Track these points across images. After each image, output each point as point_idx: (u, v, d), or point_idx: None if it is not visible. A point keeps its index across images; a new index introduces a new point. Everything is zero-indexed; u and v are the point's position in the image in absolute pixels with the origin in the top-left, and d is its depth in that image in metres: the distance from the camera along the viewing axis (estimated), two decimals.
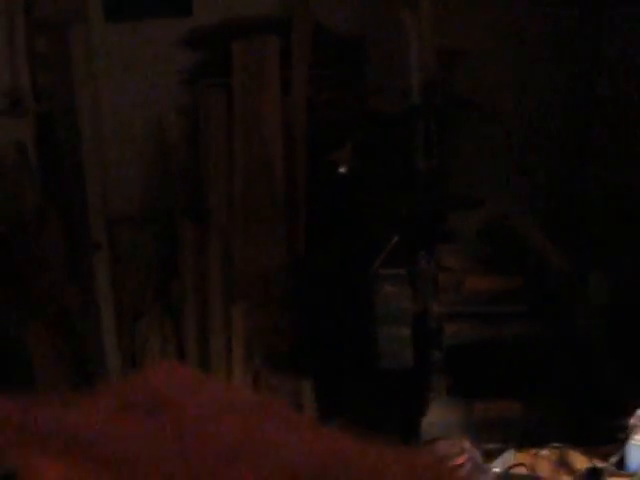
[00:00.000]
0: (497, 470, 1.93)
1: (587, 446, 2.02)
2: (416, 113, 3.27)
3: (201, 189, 4.05)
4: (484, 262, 3.18)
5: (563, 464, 1.99)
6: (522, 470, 1.92)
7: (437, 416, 3.20)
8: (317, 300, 3.80)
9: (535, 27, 3.81)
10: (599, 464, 1.93)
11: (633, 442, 1.98)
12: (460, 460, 1.89)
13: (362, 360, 3.37)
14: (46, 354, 3.45)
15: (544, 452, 1.99)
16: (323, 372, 3.84)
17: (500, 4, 3.86)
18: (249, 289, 4.00)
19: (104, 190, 4.18)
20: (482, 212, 3.37)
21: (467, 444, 1.96)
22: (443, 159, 3.39)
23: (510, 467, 1.93)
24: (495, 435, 2.70)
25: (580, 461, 1.98)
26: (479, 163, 3.72)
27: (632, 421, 2.04)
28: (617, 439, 2.10)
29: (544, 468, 1.94)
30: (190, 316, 4.13)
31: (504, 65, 3.88)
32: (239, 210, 3.99)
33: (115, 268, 4.34)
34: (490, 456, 2.09)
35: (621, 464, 2.00)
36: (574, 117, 3.88)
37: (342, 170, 3.52)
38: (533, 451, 1.99)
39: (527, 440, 2.83)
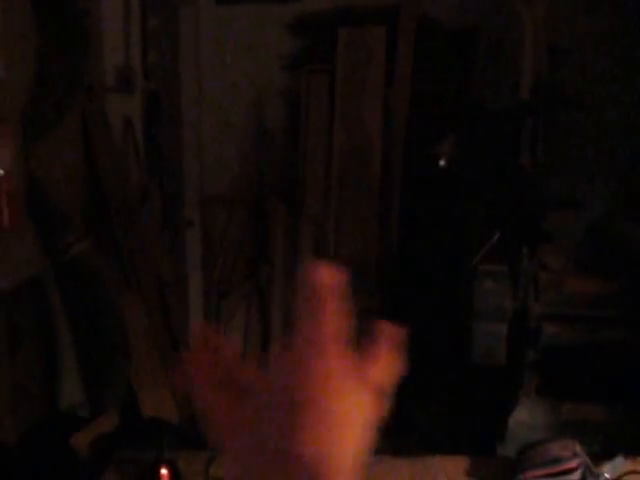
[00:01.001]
0: (607, 476, 1.92)
1: None
2: (524, 109, 3.24)
3: (296, 174, 4.08)
4: (586, 264, 3.15)
5: None
6: (637, 478, 1.91)
7: (524, 415, 3.19)
8: (409, 291, 3.81)
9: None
10: None
11: None
12: (573, 464, 1.88)
13: (452, 353, 3.37)
14: (140, 324, 3.53)
15: None
16: (408, 362, 3.85)
17: (608, 7, 3.80)
18: None
19: (201, 169, 4.25)
20: (584, 213, 3.34)
21: (578, 447, 1.96)
22: (547, 157, 3.36)
23: (623, 474, 1.93)
24: (580, 437, 2.68)
25: None
26: (582, 163, 3.67)
27: None
28: None
29: None
30: (277, 298, 4.17)
31: (609, 65, 3.82)
32: (334, 197, 4.00)
33: (206, 246, 4.41)
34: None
35: None
36: None
37: (442, 163, 3.51)
38: None
39: (609, 445, 2.82)
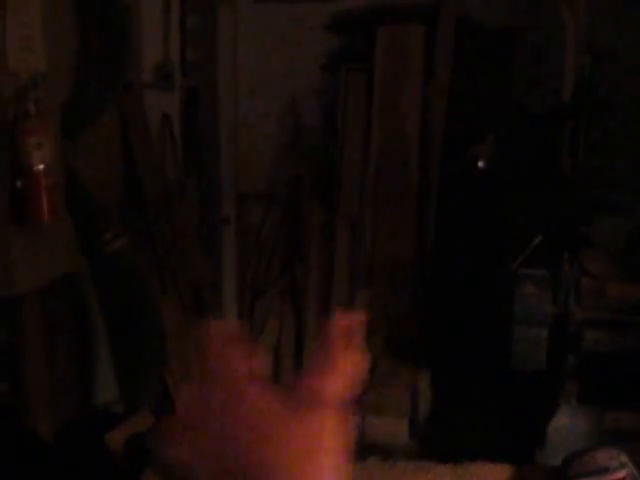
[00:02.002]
0: None
1: None
2: (566, 111, 3.20)
3: (333, 172, 4.05)
4: (628, 269, 3.09)
5: None
6: None
7: (564, 421, 3.14)
8: (444, 294, 3.77)
9: None
10: None
11: None
12: (620, 474, 1.84)
13: (490, 358, 3.32)
14: (176, 322, 3.52)
15: None
16: (444, 365, 3.81)
17: None
18: (375, 277, 4.00)
19: (237, 166, 4.23)
20: (627, 217, 3.28)
21: (624, 457, 1.91)
22: (588, 160, 3.31)
23: None
24: (621, 446, 2.63)
25: None
26: (624, 166, 3.61)
27: None
28: None
29: None
30: (312, 298, 4.15)
31: None
32: (370, 196, 3.97)
33: (241, 244, 4.39)
34: None
35: None
36: None
37: (481, 165, 3.47)
38: None
39: None
